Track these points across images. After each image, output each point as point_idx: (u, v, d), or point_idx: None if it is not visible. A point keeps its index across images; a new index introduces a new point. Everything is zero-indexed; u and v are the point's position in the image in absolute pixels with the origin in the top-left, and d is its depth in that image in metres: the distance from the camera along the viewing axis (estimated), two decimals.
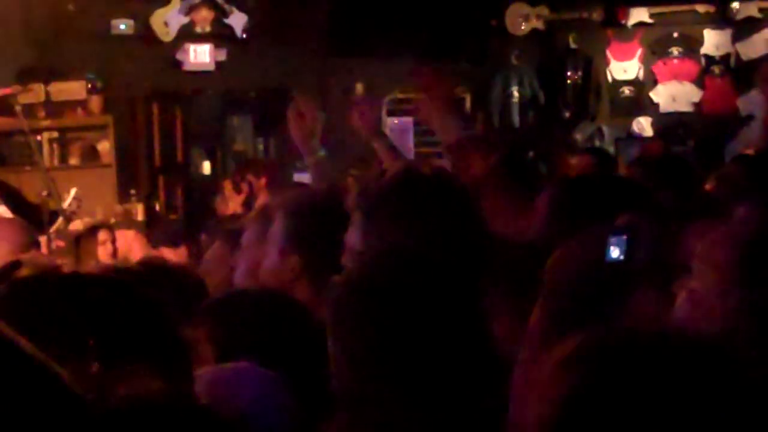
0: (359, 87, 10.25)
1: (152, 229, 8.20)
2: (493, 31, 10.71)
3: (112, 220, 7.91)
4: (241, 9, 10.30)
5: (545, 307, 1.94)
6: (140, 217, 9.21)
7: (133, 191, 9.48)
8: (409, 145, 9.85)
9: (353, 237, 2.70)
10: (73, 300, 1.61)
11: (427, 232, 2.57)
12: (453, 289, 2.00)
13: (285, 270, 2.97)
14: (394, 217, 2.63)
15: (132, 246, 7.26)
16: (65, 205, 6.11)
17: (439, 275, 2.03)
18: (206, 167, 10.58)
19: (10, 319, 1.32)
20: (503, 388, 1.91)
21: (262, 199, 5.96)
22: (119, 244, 7.27)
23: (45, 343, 1.25)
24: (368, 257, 2.35)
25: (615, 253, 1.88)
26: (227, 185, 7.57)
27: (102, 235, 7.15)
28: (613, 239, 1.88)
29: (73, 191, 6.19)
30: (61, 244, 6.02)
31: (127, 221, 8.27)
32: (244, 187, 7.12)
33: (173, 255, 5.99)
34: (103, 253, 7.08)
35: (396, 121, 10.24)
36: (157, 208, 9.88)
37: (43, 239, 5.98)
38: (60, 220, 5.92)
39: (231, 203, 7.33)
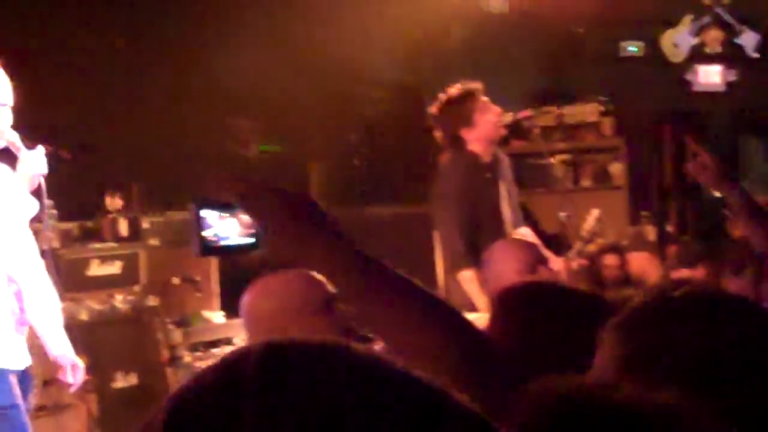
0: None
1: (666, 250, 8.12)
2: None
3: (624, 242, 7.91)
4: (752, 28, 9.99)
5: None
6: (652, 238, 9.15)
7: (644, 213, 9.43)
8: None
9: None
10: None
11: None
12: None
13: None
14: None
15: (646, 268, 7.22)
16: (588, 226, 6.16)
17: None
18: None
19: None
20: None
21: None
22: (632, 266, 7.27)
23: None
24: None
25: None
26: None
27: (609, 258, 7.17)
28: None
29: (595, 212, 6.23)
30: (583, 263, 6.08)
31: (639, 243, 8.22)
32: None
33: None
34: (611, 275, 7.10)
35: None
36: (669, 229, 9.79)
37: (562, 259, 6.08)
38: (579, 242, 5.98)
39: None
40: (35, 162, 4.71)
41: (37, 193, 4.80)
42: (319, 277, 3.01)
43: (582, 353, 1.65)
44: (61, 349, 4.87)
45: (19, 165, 4.73)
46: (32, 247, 4.77)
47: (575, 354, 1.64)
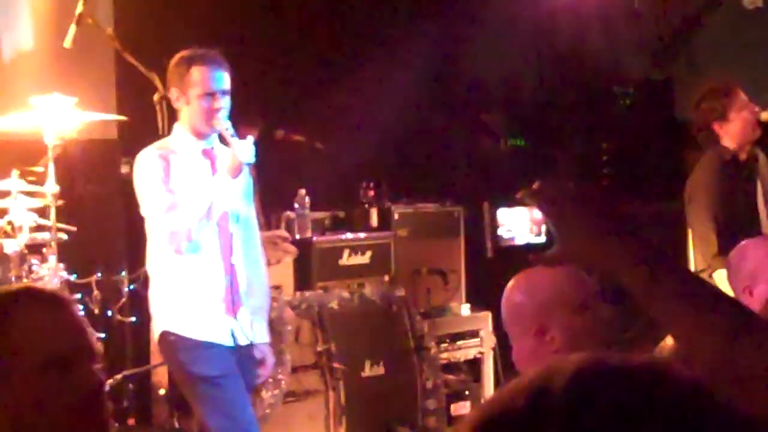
0: None
1: None
2: None
3: None
4: None
5: None
6: None
7: None
8: None
9: None
10: None
11: None
12: None
13: None
14: None
15: None
16: None
17: None
18: None
19: None
20: None
21: None
22: None
23: None
24: None
25: None
26: None
27: None
28: None
29: None
30: None
31: None
32: None
33: None
34: None
35: None
36: None
37: None
38: None
39: None
40: (244, 151, 4.81)
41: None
42: (584, 274, 3.00)
43: None
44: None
45: (229, 152, 4.87)
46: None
47: None
